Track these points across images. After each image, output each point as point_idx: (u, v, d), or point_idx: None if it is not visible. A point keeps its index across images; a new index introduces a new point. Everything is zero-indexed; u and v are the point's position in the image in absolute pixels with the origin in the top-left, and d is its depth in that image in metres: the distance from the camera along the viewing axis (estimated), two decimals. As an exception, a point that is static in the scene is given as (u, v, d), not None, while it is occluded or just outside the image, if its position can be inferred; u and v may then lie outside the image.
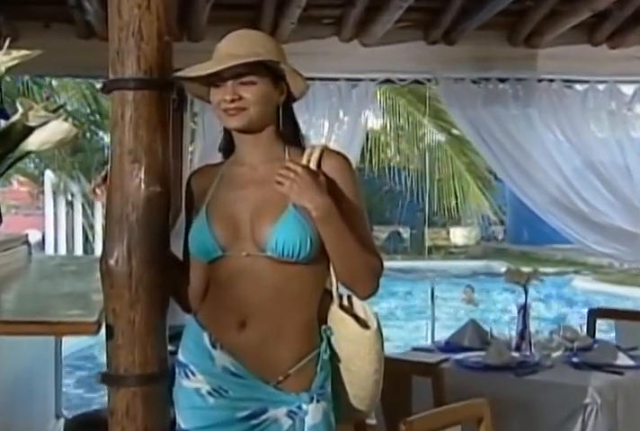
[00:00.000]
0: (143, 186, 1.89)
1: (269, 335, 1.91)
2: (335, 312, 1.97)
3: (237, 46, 1.91)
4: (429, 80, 4.56)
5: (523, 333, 3.55)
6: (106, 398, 1.94)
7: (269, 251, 1.87)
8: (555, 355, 3.43)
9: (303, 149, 1.96)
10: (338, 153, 1.97)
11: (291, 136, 1.98)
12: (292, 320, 1.92)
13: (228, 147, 2.02)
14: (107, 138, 11.50)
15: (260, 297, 1.90)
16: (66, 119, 2.13)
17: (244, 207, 1.92)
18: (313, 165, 1.90)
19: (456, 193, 12.03)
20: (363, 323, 1.96)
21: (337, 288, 1.97)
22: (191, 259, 2.00)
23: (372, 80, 4.46)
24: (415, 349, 3.81)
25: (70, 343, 6.31)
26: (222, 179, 1.99)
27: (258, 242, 1.88)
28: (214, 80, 1.91)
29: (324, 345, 1.95)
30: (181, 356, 1.99)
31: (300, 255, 1.86)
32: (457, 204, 12.33)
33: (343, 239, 1.86)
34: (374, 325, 1.96)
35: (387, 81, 4.58)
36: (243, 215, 1.92)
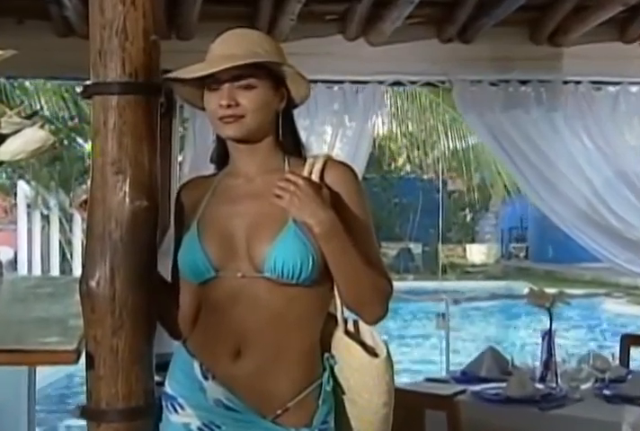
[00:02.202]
0: (128, 200, 1.90)
1: (266, 364, 1.91)
2: (340, 339, 1.97)
3: (234, 46, 1.92)
4: (442, 82, 4.57)
5: (548, 362, 3.55)
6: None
7: (267, 272, 1.87)
8: (584, 386, 3.42)
9: (304, 159, 1.97)
10: (342, 164, 1.98)
11: (291, 147, 1.99)
12: (292, 347, 1.92)
13: (221, 157, 2.03)
14: (88, 146, 11.53)
15: (256, 323, 1.90)
16: (42, 126, 2.14)
17: (239, 223, 1.93)
18: (315, 177, 1.91)
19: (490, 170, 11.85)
20: (371, 351, 1.97)
21: (342, 312, 1.97)
22: (180, 281, 2.01)
23: (380, 82, 4.48)
24: (428, 380, 3.81)
25: (44, 374, 6.30)
26: (215, 191, 2.00)
27: (255, 262, 1.89)
28: (209, 83, 1.92)
29: (326, 375, 1.95)
30: (168, 388, 1.99)
31: (301, 276, 1.87)
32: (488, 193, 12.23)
33: (349, 258, 1.87)
34: (383, 353, 1.97)
35: (397, 83, 4.60)
36: (238, 232, 1.92)
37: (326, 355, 1.96)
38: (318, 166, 1.92)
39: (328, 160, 1.95)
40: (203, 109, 2.00)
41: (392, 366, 1.98)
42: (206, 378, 1.94)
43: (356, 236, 1.88)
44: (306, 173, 1.91)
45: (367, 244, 1.92)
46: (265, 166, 1.97)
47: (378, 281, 1.91)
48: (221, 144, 2.02)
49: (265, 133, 1.96)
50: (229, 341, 1.92)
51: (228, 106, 1.89)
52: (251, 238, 1.90)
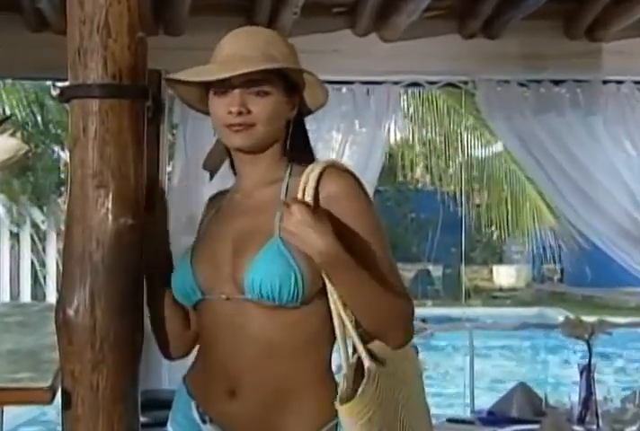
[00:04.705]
0: (110, 217, 1.90)
1: (267, 403, 1.89)
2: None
3: (247, 45, 1.93)
4: (465, 83, 4.59)
5: (587, 401, 3.53)
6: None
7: (248, 293, 1.86)
8: (628, 430, 3.41)
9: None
10: (342, 173, 1.92)
11: (302, 157, 1.97)
12: (295, 381, 1.89)
13: (233, 169, 2.04)
14: (63, 154, 11.55)
15: (248, 353, 1.89)
16: (14, 134, 2.15)
17: (227, 240, 1.94)
18: (309, 191, 1.86)
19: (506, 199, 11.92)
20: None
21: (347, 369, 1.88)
22: None
23: (394, 83, 4.50)
24: (451, 421, 3.80)
25: (13, 413, 6.30)
26: (220, 208, 2.03)
27: (238, 282, 1.88)
28: (216, 85, 1.92)
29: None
30: (170, 429, 2.02)
31: (283, 297, 1.83)
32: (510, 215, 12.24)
33: (361, 287, 1.83)
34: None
35: (413, 84, 4.62)
36: (225, 250, 1.93)
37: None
38: (314, 174, 1.88)
39: (326, 168, 1.89)
40: (201, 111, 2.01)
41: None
42: (204, 421, 1.94)
43: (364, 256, 1.84)
44: (301, 185, 1.88)
45: (379, 264, 1.87)
46: (265, 178, 1.97)
47: (398, 304, 1.87)
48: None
49: (273, 143, 1.96)
50: (222, 377, 1.91)
51: (239, 113, 1.89)
52: (236, 255, 1.90)
